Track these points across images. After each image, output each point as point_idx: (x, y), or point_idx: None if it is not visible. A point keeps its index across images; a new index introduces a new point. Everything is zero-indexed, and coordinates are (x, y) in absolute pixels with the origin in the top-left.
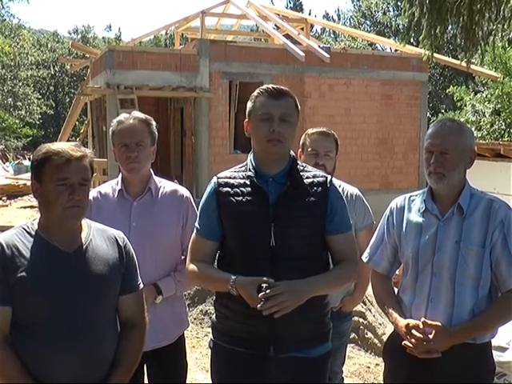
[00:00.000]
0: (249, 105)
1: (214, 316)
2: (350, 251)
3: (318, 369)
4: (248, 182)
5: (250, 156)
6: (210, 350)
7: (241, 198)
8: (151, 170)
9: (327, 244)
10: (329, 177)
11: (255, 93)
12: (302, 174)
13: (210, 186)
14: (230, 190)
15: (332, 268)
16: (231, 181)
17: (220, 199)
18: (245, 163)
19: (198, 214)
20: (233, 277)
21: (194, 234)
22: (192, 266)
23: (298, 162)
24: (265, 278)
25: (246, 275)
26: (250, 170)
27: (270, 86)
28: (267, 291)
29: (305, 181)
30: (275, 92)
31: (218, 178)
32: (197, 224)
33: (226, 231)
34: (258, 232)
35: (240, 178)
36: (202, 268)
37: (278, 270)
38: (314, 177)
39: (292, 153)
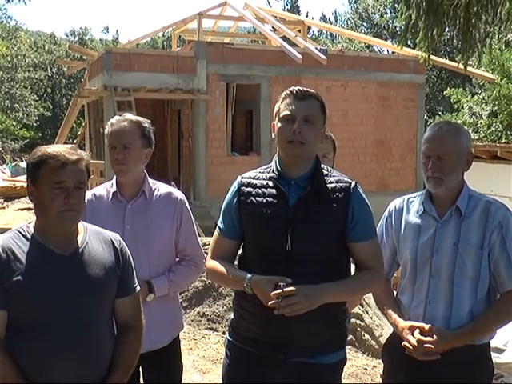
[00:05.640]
0: (276, 106)
1: (232, 315)
2: (373, 260)
3: (329, 377)
4: (270, 183)
5: (275, 157)
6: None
7: (262, 198)
8: (145, 173)
9: (350, 251)
10: (353, 182)
11: (283, 94)
12: (325, 178)
13: (233, 185)
14: (252, 190)
15: (351, 276)
16: (254, 181)
17: (241, 199)
18: (270, 164)
19: (221, 212)
20: (248, 275)
21: (215, 232)
22: (210, 263)
23: (323, 165)
24: (282, 278)
25: None
26: (273, 172)
27: (296, 87)
28: (283, 289)
29: (327, 185)
30: (300, 93)
31: (242, 177)
32: (219, 223)
33: (246, 231)
34: (275, 235)
35: (263, 179)
36: (220, 265)
37: (293, 274)
38: (337, 182)
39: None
